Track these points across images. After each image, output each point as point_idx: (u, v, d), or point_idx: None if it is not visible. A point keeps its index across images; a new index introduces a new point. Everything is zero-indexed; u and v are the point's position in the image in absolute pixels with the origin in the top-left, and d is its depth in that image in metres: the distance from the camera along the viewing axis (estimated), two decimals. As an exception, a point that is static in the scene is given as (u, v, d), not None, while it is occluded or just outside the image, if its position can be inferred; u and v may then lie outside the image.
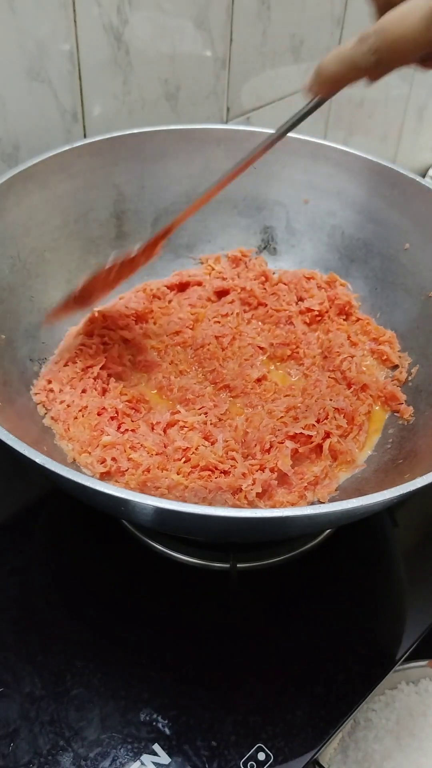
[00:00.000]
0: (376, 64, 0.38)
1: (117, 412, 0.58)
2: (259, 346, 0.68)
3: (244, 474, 0.54)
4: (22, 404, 0.57)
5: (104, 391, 0.61)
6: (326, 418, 0.59)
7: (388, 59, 0.38)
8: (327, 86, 0.41)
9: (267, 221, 0.75)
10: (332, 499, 0.56)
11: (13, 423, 0.52)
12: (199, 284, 0.73)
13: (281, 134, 0.48)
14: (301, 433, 0.57)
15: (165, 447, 0.57)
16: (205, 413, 0.60)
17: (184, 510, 0.39)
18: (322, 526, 0.56)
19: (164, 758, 0.48)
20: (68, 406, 0.59)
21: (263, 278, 0.73)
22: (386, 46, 0.37)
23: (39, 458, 0.42)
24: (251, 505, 0.53)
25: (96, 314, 0.66)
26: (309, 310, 0.70)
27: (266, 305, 0.71)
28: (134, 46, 0.70)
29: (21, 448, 0.42)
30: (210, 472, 0.55)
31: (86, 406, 0.59)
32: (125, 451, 0.55)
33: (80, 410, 0.58)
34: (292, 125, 0.47)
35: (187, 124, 0.70)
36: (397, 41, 0.37)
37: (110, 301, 0.70)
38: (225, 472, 0.55)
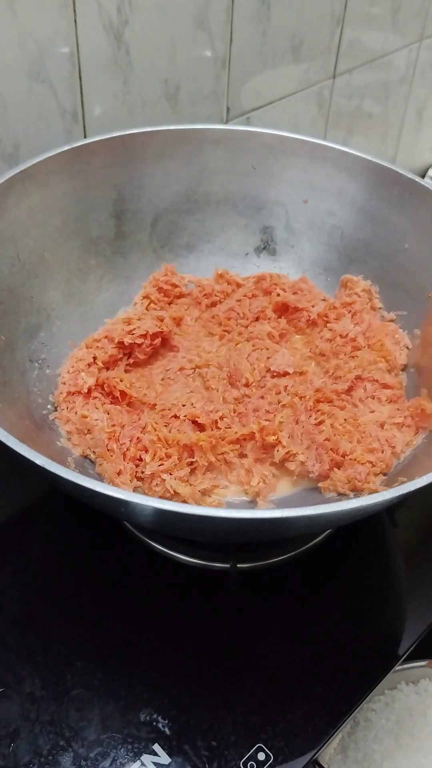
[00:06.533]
0: None
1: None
2: None
3: None
4: (22, 405, 0.57)
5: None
6: None
7: None
8: None
9: (266, 221, 0.75)
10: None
11: (13, 423, 0.52)
12: None
13: None
14: None
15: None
16: None
17: (183, 511, 0.39)
18: (322, 526, 0.57)
19: (164, 758, 0.48)
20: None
21: None
22: None
23: (39, 459, 0.42)
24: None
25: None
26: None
27: None
28: (134, 46, 0.70)
29: (21, 449, 0.42)
30: None
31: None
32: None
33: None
34: None
35: (187, 124, 0.70)
36: None
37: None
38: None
